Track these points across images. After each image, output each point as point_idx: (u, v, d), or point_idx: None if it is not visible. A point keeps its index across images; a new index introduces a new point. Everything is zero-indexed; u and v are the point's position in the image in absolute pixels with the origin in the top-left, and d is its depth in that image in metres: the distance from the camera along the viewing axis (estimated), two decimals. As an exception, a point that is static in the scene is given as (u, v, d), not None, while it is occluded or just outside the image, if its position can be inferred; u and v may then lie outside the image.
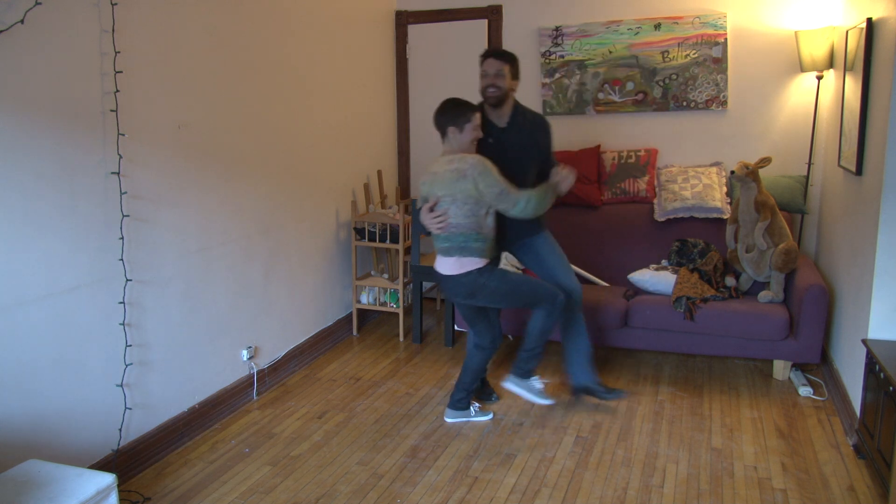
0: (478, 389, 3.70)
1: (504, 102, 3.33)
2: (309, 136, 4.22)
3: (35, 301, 2.53)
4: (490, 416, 3.51)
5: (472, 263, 3.17)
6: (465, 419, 3.47)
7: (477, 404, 3.55)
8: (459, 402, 3.47)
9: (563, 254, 3.54)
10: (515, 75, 3.35)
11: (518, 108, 3.41)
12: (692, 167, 4.56)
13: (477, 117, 3.18)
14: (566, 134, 4.99)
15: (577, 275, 4.52)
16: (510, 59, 3.33)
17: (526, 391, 3.46)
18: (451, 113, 3.18)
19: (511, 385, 3.48)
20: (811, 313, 3.62)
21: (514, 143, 3.34)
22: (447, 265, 3.21)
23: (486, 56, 3.37)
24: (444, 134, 3.21)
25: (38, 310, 2.54)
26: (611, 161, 4.73)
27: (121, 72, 2.79)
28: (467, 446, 3.23)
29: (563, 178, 3.25)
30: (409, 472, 3.01)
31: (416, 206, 3.49)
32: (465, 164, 3.08)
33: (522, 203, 3.11)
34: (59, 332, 2.63)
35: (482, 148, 3.28)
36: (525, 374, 3.47)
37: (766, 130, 4.58)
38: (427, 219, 3.20)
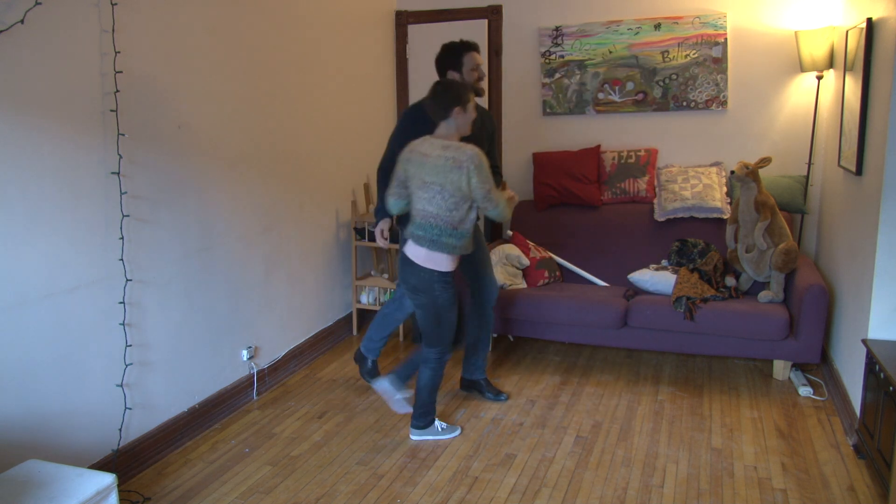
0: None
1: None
2: (309, 135, 4.22)
3: (35, 301, 2.53)
4: (458, 431, 3.35)
5: (439, 263, 3.06)
6: (431, 437, 3.31)
7: (443, 423, 3.36)
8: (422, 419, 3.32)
9: (487, 250, 3.69)
10: None
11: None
12: (692, 167, 4.56)
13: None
14: (566, 134, 4.99)
15: (577, 275, 4.53)
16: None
17: (434, 436, 3.30)
18: (456, 92, 3.03)
19: (416, 437, 3.30)
20: (811, 313, 3.62)
21: (478, 131, 3.36)
22: (415, 251, 3.08)
23: (470, 49, 3.42)
24: (445, 116, 3.03)
25: (39, 310, 2.54)
26: (611, 161, 4.73)
27: (121, 72, 2.79)
28: (467, 446, 3.23)
29: (512, 197, 3.29)
30: (409, 472, 3.01)
31: (382, 189, 3.44)
32: (462, 155, 2.93)
33: (501, 206, 3.04)
34: (60, 332, 2.63)
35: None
36: (424, 424, 3.30)
37: (766, 130, 4.58)
38: (379, 236, 3.42)
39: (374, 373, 3.74)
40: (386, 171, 3.42)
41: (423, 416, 3.29)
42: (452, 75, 3.46)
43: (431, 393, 3.28)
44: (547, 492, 2.85)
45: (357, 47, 4.77)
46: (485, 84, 3.47)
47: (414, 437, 3.31)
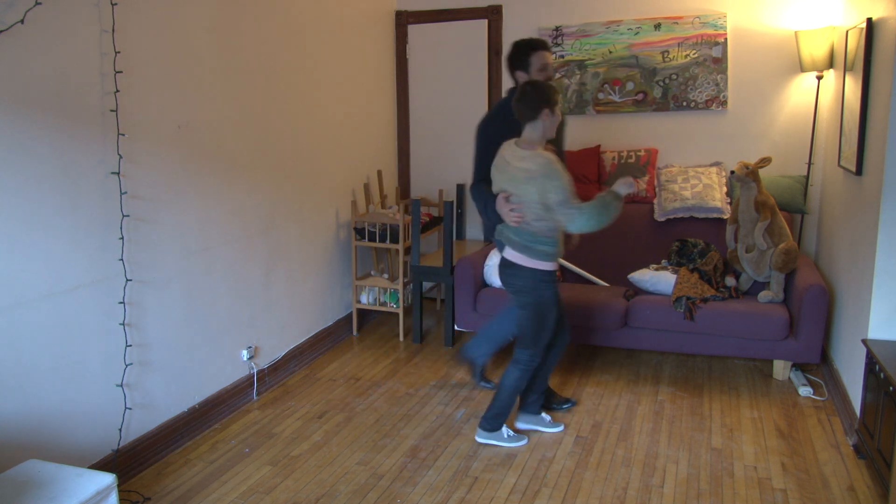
0: (548, 400, 3.52)
1: None
2: (309, 135, 4.22)
3: (35, 301, 2.53)
4: (524, 441, 3.27)
5: (540, 263, 3.00)
6: (496, 442, 3.24)
7: (509, 430, 3.28)
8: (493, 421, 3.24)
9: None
10: None
11: None
12: (692, 167, 4.56)
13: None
14: (566, 134, 4.98)
15: (577, 275, 4.53)
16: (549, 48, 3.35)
17: (498, 441, 3.23)
18: (545, 92, 2.90)
19: (481, 439, 3.25)
20: (811, 313, 3.62)
21: (558, 133, 3.25)
22: (513, 253, 3.03)
23: (539, 48, 3.24)
24: (533, 118, 2.90)
25: (39, 310, 2.54)
26: (611, 161, 4.73)
27: (121, 72, 2.79)
28: (467, 446, 3.23)
29: (622, 183, 3.05)
30: (409, 472, 3.01)
31: (482, 205, 3.28)
32: (533, 165, 2.83)
33: (578, 217, 2.85)
34: (59, 332, 2.63)
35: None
36: (494, 427, 3.24)
37: (766, 130, 4.58)
38: (504, 209, 2.99)
39: (558, 402, 3.58)
40: (479, 188, 3.28)
41: (495, 419, 3.21)
42: (520, 76, 3.31)
43: (512, 395, 3.18)
44: (547, 492, 2.85)
45: (357, 47, 4.77)
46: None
47: (479, 440, 3.24)
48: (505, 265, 3.11)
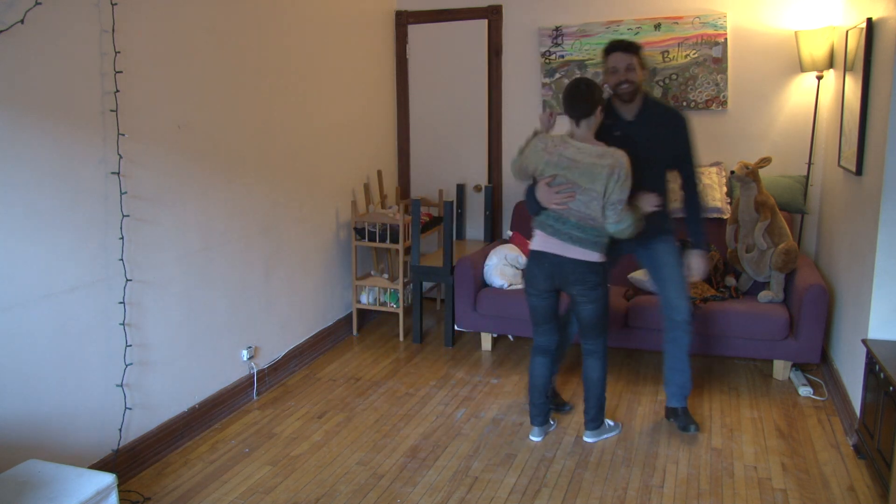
0: (551, 401, 3.47)
1: (635, 97, 3.12)
2: (309, 135, 4.22)
3: (35, 301, 2.53)
4: (620, 427, 3.36)
5: (601, 256, 3.04)
6: (606, 435, 3.29)
7: (610, 421, 3.36)
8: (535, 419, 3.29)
9: (681, 267, 3.28)
10: (644, 65, 3.15)
11: (648, 102, 3.17)
12: (692, 167, 4.56)
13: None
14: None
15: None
16: (637, 50, 3.10)
17: (606, 434, 3.29)
18: (597, 93, 2.94)
19: (593, 439, 3.26)
20: (811, 313, 3.62)
21: (641, 138, 3.10)
22: (586, 252, 3.01)
23: (611, 50, 3.11)
24: (591, 114, 2.93)
25: (38, 310, 2.54)
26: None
27: (121, 72, 2.79)
28: (467, 446, 3.23)
29: (646, 200, 3.08)
30: (409, 472, 3.01)
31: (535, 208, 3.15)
32: (616, 162, 2.87)
33: (626, 218, 2.94)
34: (59, 333, 2.63)
35: (608, 140, 3.02)
36: (599, 423, 3.28)
37: (766, 130, 4.58)
38: (548, 194, 2.97)
39: (557, 404, 3.55)
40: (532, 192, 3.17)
41: (599, 413, 3.26)
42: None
43: (604, 386, 3.24)
44: (547, 492, 2.85)
45: (357, 47, 4.77)
46: (627, 88, 3.10)
47: (590, 440, 3.26)
48: (575, 265, 3.02)
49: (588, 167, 2.91)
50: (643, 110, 3.15)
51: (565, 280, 3.07)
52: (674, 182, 3.24)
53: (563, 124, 3.21)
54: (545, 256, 3.07)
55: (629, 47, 3.09)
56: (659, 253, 3.27)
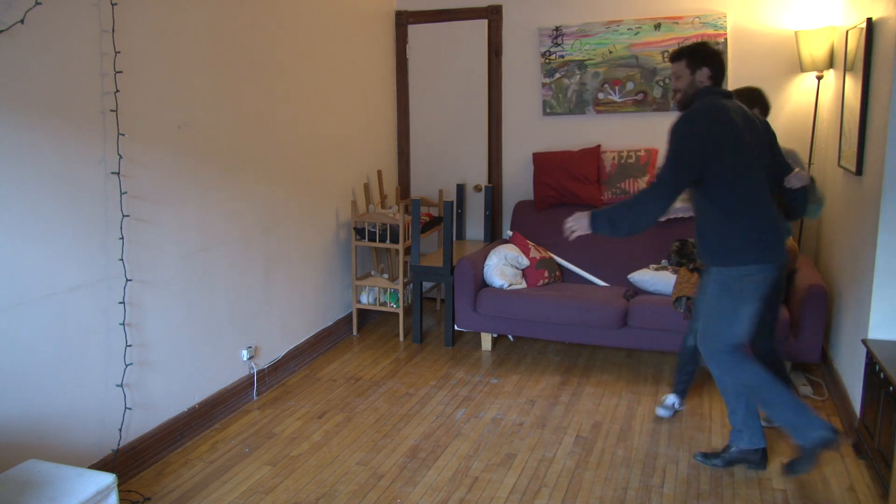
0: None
1: (691, 102, 2.89)
2: (309, 135, 4.22)
3: (35, 301, 2.53)
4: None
5: None
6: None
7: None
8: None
9: (715, 303, 2.90)
10: (698, 65, 2.88)
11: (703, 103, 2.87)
12: (692, 167, 4.55)
13: None
14: (566, 134, 4.99)
15: (576, 274, 4.53)
16: (685, 54, 2.91)
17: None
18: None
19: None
20: (811, 313, 3.62)
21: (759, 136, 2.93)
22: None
23: (672, 60, 2.97)
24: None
25: (38, 310, 2.54)
26: (611, 161, 4.73)
27: (121, 72, 2.79)
28: (467, 446, 3.23)
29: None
30: (409, 472, 3.01)
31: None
32: None
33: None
34: (59, 332, 2.63)
35: None
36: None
37: (766, 130, 4.57)
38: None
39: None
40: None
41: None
42: None
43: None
44: (547, 492, 2.85)
45: (357, 47, 4.77)
46: (676, 97, 2.98)
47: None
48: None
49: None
50: None
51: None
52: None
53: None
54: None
55: (676, 55, 2.94)
56: (707, 281, 3.03)
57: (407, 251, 4.79)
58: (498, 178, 5.24)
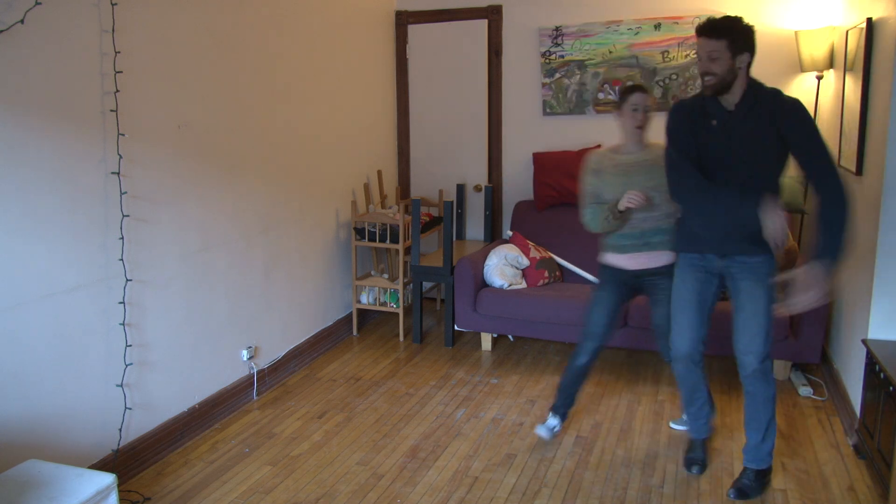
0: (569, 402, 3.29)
1: (731, 86, 2.57)
2: (309, 136, 4.22)
3: (35, 301, 2.53)
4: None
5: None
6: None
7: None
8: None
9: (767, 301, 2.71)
10: (740, 49, 2.51)
11: (752, 89, 2.59)
12: (692, 167, 4.55)
13: (633, 98, 2.99)
14: (566, 134, 4.99)
15: (576, 274, 4.52)
16: (726, 32, 2.50)
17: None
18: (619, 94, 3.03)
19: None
20: (811, 313, 3.62)
21: (742, 130, 2.60)
22: (664, 258, 3.07)
23: (697, 34, 2.58)
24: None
25: (38, 310, 2.54)
26: (611, 161, 4.72)
27: (121, 72, 2.79)
28: (467, 446, 3.23)
29: (628, 198, 2.96)
30: (409, 472, 3.01)
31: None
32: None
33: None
34: (59, 333, 2.63)
35: (707, 132, 2.64)
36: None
37: (766, 130, 4.57)
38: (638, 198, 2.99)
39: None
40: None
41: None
42: None
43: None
44: (547, 492, 2.85)
45: (357, 47, 4.77)
46: (709, 81, 2.60)
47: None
48: (653, 274, 3.12)
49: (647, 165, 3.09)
50: (745, 98, 2.59)
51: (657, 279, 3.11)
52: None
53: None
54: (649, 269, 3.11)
55: (714, 31, 2.51)
56: (747, 273, 2.72)
57: (407, 251, 4.79)
58: (498, 178, 5.24)
